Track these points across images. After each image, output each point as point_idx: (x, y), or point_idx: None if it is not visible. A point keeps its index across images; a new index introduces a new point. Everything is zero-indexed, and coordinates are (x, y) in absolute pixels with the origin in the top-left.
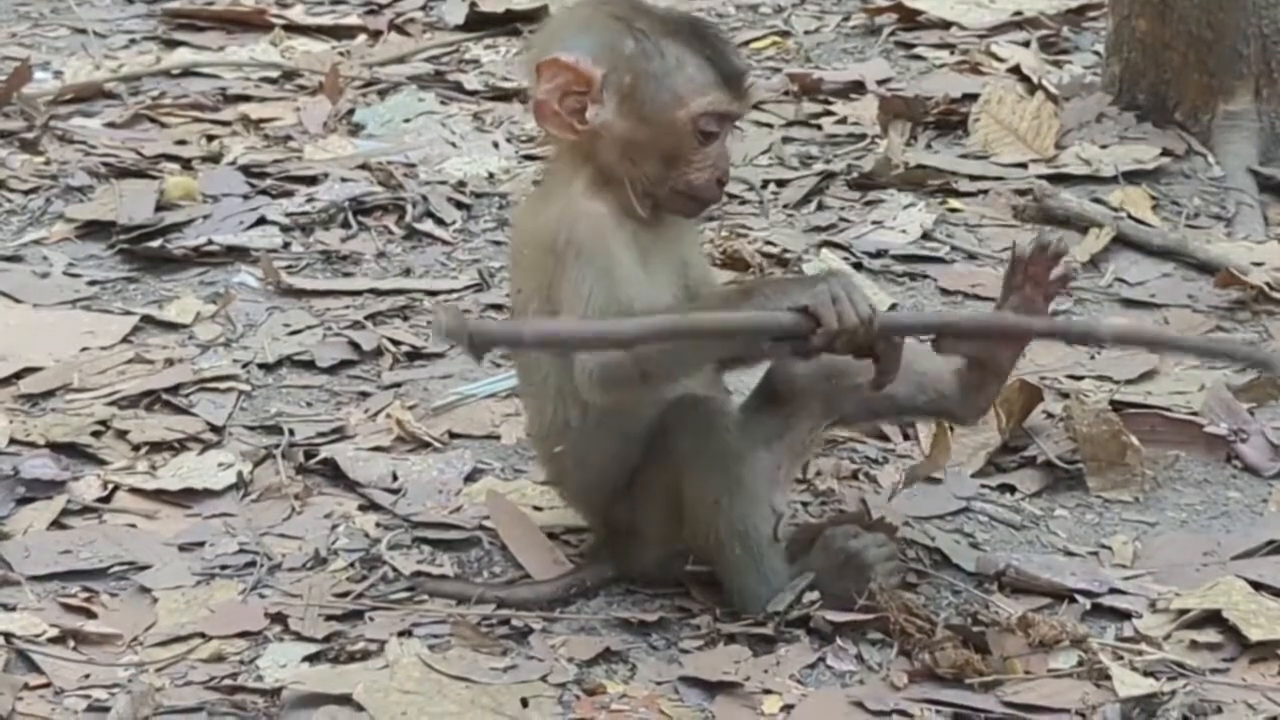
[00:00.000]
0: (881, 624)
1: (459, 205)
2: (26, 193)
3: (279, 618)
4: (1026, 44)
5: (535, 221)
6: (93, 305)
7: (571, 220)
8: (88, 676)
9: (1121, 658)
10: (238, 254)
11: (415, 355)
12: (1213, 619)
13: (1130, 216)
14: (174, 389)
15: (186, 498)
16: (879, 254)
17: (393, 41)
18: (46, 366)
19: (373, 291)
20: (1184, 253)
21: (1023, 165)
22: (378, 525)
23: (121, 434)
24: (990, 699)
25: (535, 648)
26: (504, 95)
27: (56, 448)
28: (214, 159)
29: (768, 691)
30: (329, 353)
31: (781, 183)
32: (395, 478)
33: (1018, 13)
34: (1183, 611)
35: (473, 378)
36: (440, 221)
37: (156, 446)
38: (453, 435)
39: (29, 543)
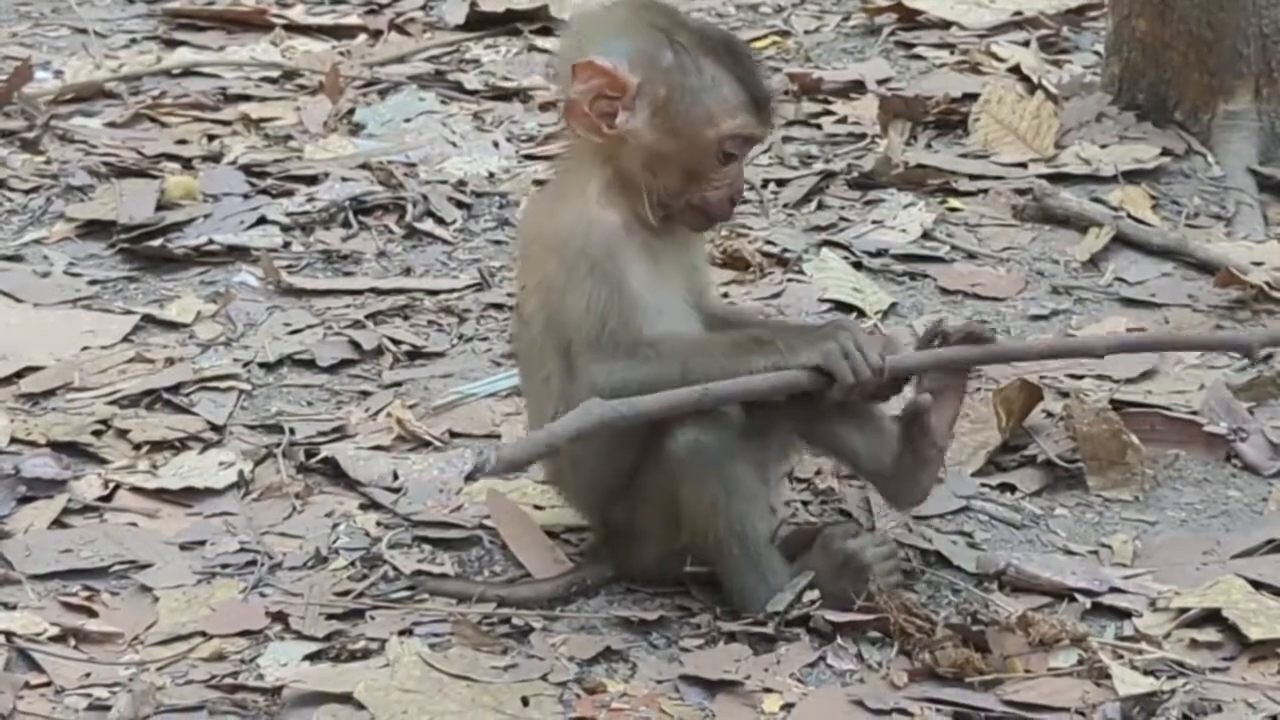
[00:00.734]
0: (881, 623)
1: (459, 205)
2: (27, 192)
3: (280, 616)
4: (1026, 44)
5: (547, 221)
6: (93, 304)
7: (585, 230)
8: (88, 675)
9: (1121, 656)
10: (238, 253)
11: (416, 354)
12: (1213, 618)
13: (1130, 216)
14: (175, 388)
15: (187, 497)
16: (879, 253)
17: (393, 41)
18: (47, 366)
19: (373, 291)
20: (1184, 252)
21: (1023, 165)
22: (378, 524)
23: (122, 433)
24: (990, 698)
25: (536, 646)
26: (504, 95)
27: (57, 447)
28: (214, 158)
29: (768, 690)
30: (329, 352)
31: (781, 182)
32: (396, 477)
33: (1018, 12)
34: (1183, 610)
35: (473, 377)
36: (440, 221)
37: (157, 445)
38: (453, 434)
39: (30, 542)
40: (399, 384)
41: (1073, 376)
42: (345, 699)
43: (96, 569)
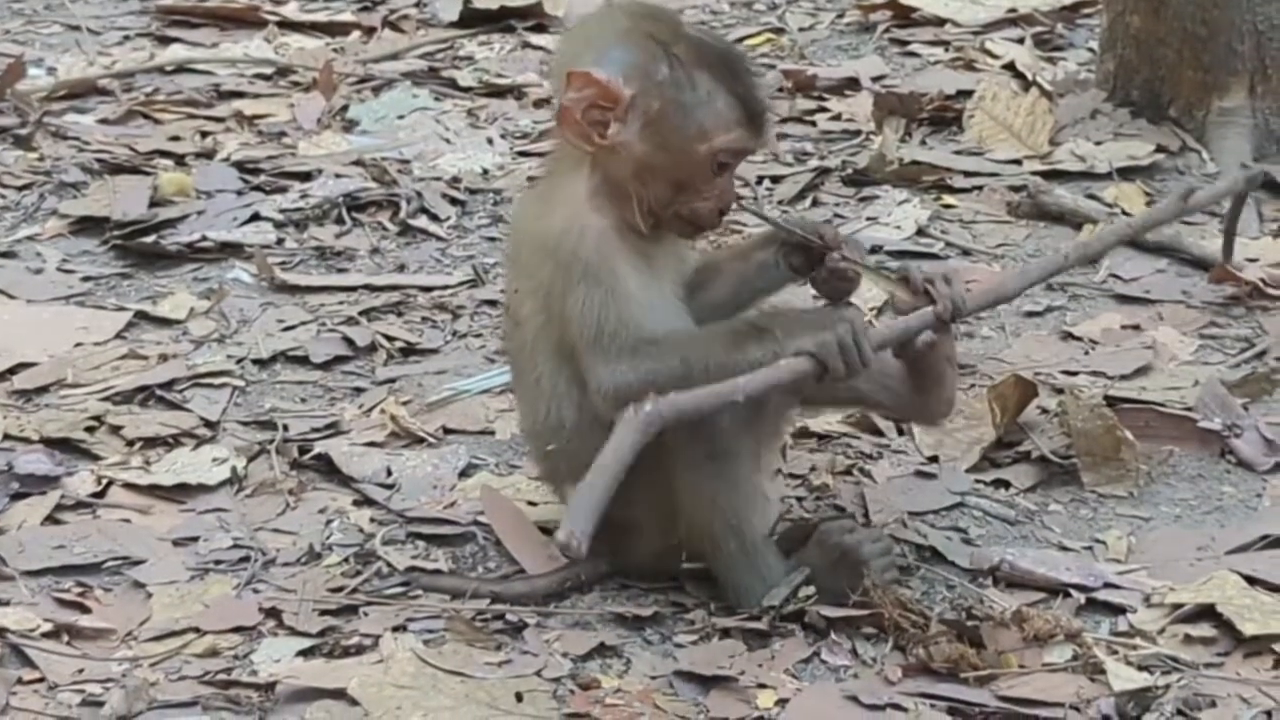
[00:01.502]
0: (876, 619)
1: (453, 201)
2: (20, 189)
3: (273, 613)
4: (1021, 40)
5: (537, 224)
6: (87, 301)
7: (578, 234)
8: (82, 671)
9: (1116, 652)
10: (232, 250)
11: (409, 351)
12: (1207, 613)
13: (1124, 212)
14: (168, 384)
15: (180, 493)
16: (874, 250)
17: (387, 38)
18: (40, 362)
19: (367, 287)
20: (1179, 249)
21: (1017, 162)
22: (372, 520)
23: (115, 429)
24: (985, 693)
25: (530, 642)
26: (498, 91)
27: (50, 443)
28: (208, 155)
29: (762, 686)
30: (323, 348)
31: (776, 179)
32: (389, 473)
33: (1012, 9)
34: (1177, 606)
35: (467, 374)
36: (434, 217)
37: (150, 442)
38: (447, 430)
39: (23, 538)
40: (393, 380)
41: (1067, 373)
42: (339, 695)
43: (89, 565)
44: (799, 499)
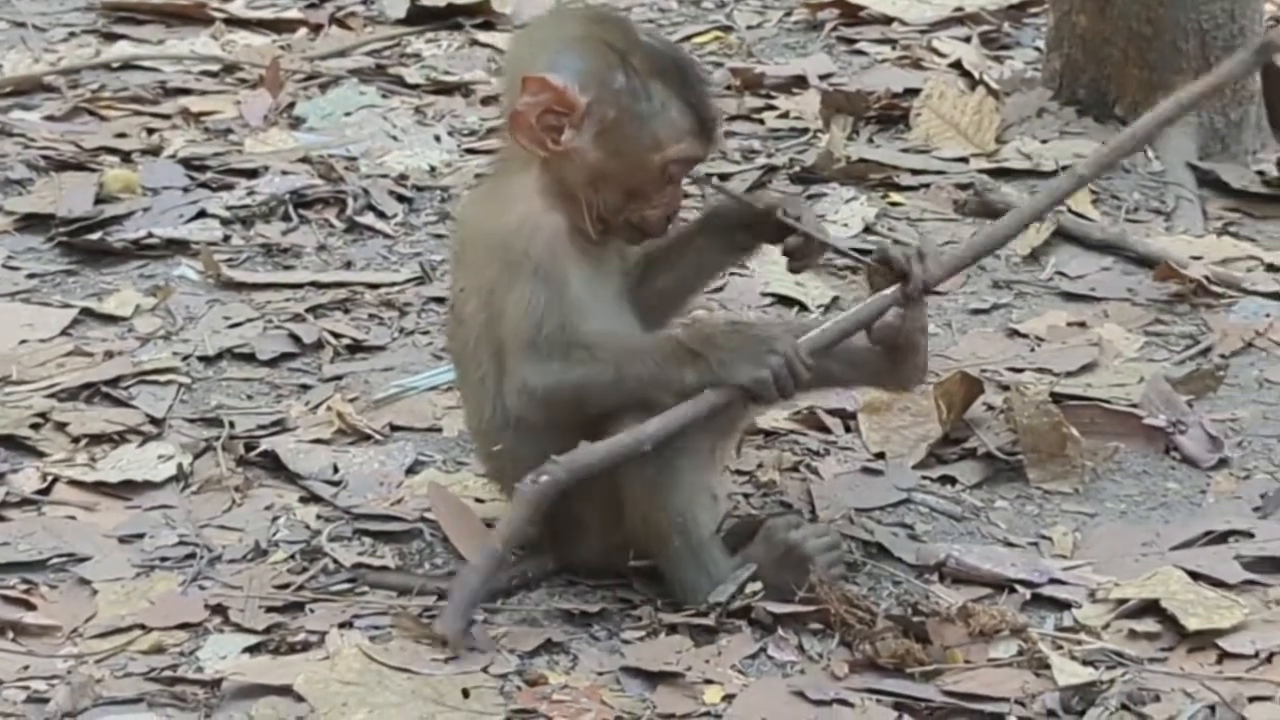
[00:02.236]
0: (822, 615)
1: (400, 198)
2: None
3: (219, 609)
4: (968, 39)
5: (486, 222)
6: (32, 298)
7: (530, 232)
8: (26, 668)
9: (1061, 647)
10: (178, 247)
11: (356, 348)
12: (1151, 609)
13: (1070, 211)
14: (113, 381)
15: (126, 490)
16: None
17: (334, 35)
18: None
19: (313, 284)
20: (1124, 246)
21: (964, 160)
22: (318, 517)
23: (61, 426)
24: (930, 688)
25: (476, 639)
26: (445, 89)
27: None
28: (154, 152)
29: (709, 681)
30: (269, 345)
31: (724, 176)
32: (336, 470)
33: (959, 8)
34: (1121, 601)
35: (414, 371)
36: (381, 215)
37: (96, 439)
38: (394, 428)
39: None
40: (339, 377)
41: (1013, 370)
42: (285, 691)
43: (34, 562)
44: (746, 495)
